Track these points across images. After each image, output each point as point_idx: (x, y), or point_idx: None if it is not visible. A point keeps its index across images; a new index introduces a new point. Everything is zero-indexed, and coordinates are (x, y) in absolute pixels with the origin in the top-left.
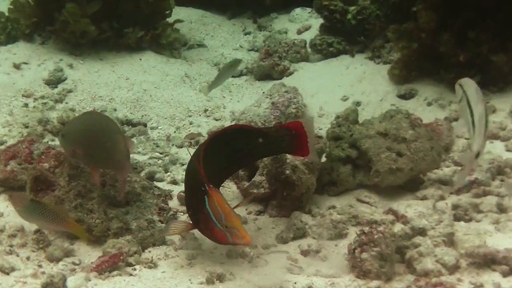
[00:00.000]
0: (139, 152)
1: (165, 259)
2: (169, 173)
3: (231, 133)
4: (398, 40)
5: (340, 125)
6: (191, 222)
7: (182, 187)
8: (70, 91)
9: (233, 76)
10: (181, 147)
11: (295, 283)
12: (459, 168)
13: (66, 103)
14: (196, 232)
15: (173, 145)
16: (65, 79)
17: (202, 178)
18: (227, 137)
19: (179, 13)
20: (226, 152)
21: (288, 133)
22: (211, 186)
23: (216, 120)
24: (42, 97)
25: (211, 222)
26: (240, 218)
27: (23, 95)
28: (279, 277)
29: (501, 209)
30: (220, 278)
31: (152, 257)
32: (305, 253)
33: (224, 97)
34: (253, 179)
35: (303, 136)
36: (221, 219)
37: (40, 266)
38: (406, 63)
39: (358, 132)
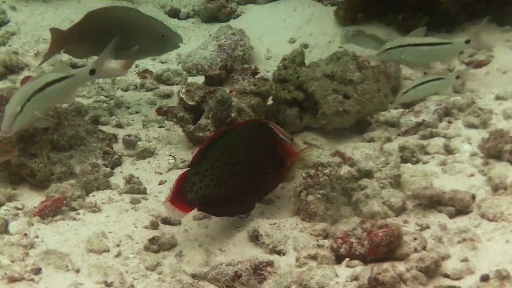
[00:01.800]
0: (83, 96)
1: (109, 203)
2: (114, 117)
3: None
4: None
5: (286, 68)
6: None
7: (127, 131)
8: (13, 33)
9: (179, 19)
10: (127, 90)
11: (238, 227)
12: (407, 110)
13: (9, 45)
14: (144, 177)
15: (118, 88)
16: (8, 21)
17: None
18: None
19: None
20: None
21: None
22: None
23: (162, 63)
24: None
25: (287, 145)
26: None
27: None
28: (224, 220)
29: (448, 151)
30: (165, 222)
31: (96, 201)
32: None
33: None
34: (198, 122)
35: None
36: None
37: None
38: (352, 4)
39: (304, 74)
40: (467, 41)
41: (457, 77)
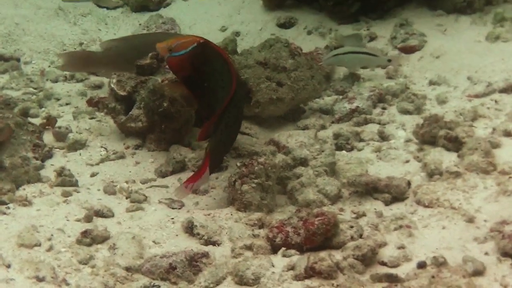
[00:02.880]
0: (12, 88)
1: (40, 197)
2: (43, 109)
3: None
4: None
5: None
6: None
7: (57, 123)
8: None
9: (108, 8)
10: (56, 82)
11: (173, 218)
12: (340, 96)
13: None
14: (76, 169)
15: (47, 80)
16: None
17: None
18: None
19: None
20: None
21: None
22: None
23: None
24: None
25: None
26: None
27: None
28: (158, 212)
29: (383, 137)
30: (98, 214)
31: (26, 194)
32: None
33: (100, 30)
34: (130, 113)
35: None
36: None
37: None
38: None
39: (237, 62)
40: (389, 60)
41: (389, 61)
